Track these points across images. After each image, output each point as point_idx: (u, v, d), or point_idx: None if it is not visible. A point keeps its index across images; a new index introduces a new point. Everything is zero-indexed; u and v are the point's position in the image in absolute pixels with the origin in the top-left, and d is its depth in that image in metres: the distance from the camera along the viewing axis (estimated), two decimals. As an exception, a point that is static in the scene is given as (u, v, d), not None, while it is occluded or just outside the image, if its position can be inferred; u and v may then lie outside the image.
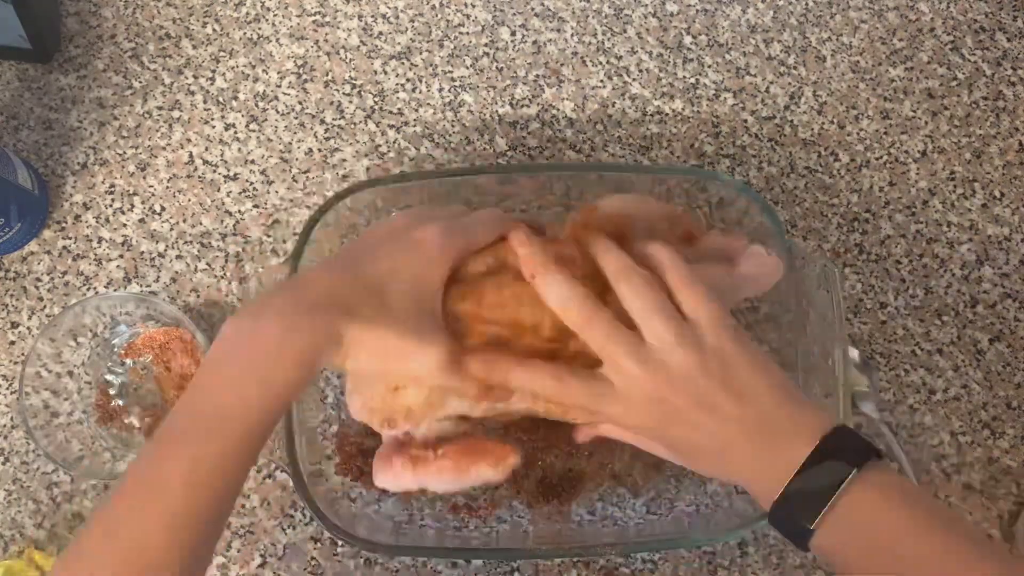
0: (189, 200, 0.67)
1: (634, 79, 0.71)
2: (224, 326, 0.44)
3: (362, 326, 0.44)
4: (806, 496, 0.44)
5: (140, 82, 0.69)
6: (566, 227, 0.55)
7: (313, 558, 0.62)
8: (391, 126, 0.69)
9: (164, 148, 0.68)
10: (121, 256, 0.66)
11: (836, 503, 0.43)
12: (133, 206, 0.67)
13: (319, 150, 0.68)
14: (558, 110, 0.70)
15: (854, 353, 0.65)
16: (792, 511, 0.44)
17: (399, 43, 0.71)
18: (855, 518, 0.43)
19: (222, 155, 0.68)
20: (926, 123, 0.71)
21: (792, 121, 0.70)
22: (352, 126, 0.69)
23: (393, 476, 0.50)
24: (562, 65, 0.71)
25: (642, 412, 0.47)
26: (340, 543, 0.62)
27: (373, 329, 0.44)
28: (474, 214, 0.51)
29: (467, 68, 0.70)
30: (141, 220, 0.67)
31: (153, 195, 0.67)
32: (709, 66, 0.71)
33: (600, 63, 0.71)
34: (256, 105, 0.69)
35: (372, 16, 0.71)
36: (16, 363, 0.64)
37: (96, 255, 0.66)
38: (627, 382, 0.47)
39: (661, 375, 0.46)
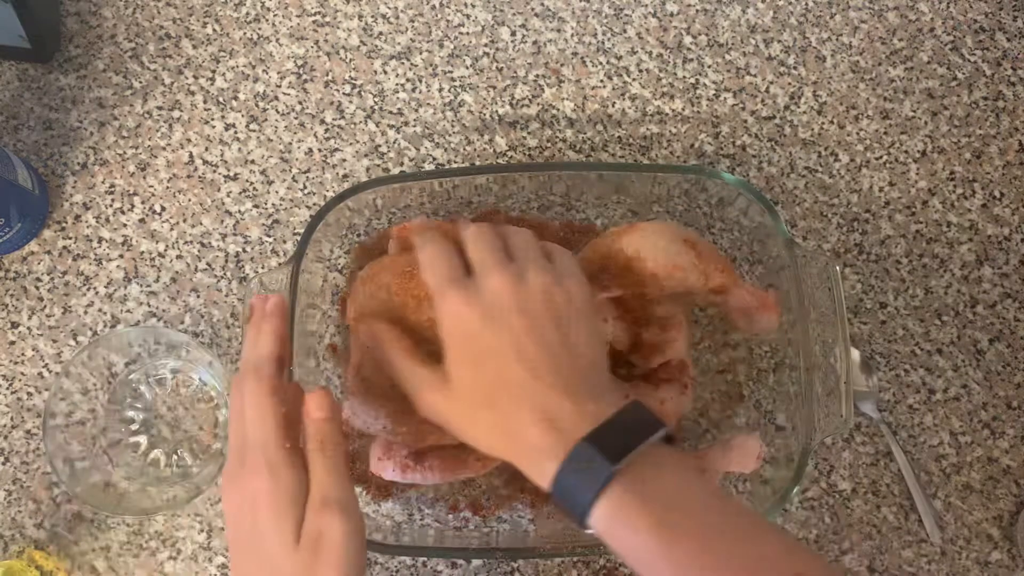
0: (189, 200, 0.67)
1: (634, 79, 0.71)
2: None
3: None
4: (601, 455, 0.42)
5: (140, 82, 0.69)
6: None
7: (313, 558, 0.62)
8: (391, 126, 0.69)
9: (164, 148, 0.68)
10: (121, 256, 0.66)
11: (626, 472, 0.42)
12: (133, 206, 0.67)
13: (319, 150, 0.68)
14: (558, 110, 0.70)
15: (854, 353, 0.65)
16: (584, 473, 0.42)
17: (399, 43, 0.71)
18: (647, 489, 0.42)
19: (222, 155, 0.68)
20: (926, 123, 0.71)
21: (792, 121, 0.70)
22: (352, 126, 0.69)
23: (386, 474, 0.56)
24: (562, 65, 0.71)
25: (458, 345, 0.47)
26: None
27: None
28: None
29: (467, 68, 0.70)
30: (141, 220, 0.67)
31: (153, 195, 0.67)
32: (709, 66, 0.71)
33: (600, 63, 0.71)
34: (256, 105, 0.69)
35: (372, 16, 0.71)
36: (16, 363, 0.64)
37: (96, 255, 0.66)
38: (445, 308, 0.48)
39: (478, 296, 0.47)
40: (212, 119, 0.69)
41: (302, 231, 0.66)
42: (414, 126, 0.69)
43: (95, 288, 0.66)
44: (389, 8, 0.72)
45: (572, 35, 0.71)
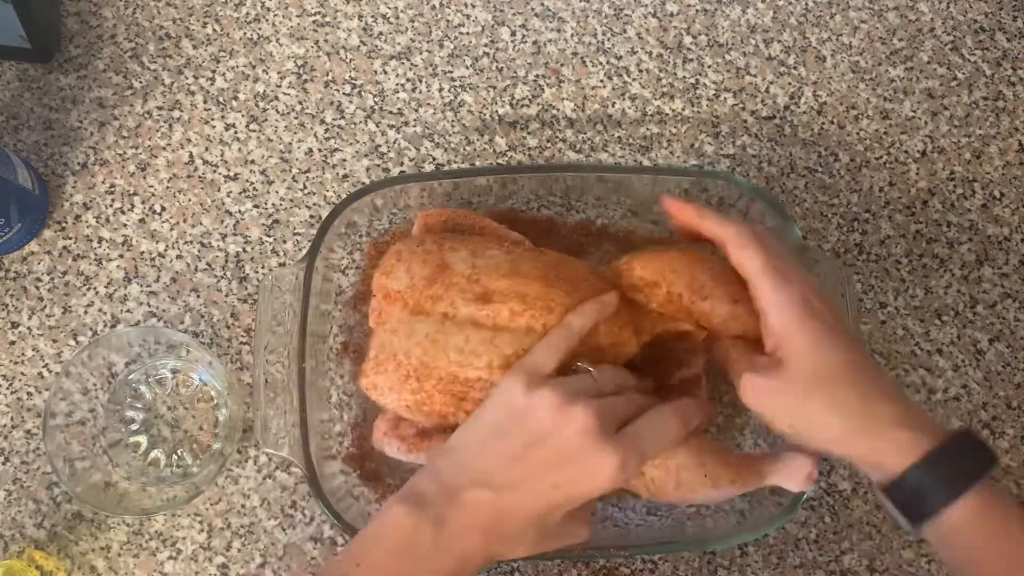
0: (189, 200, 0.67)
1: (634, 79, 0.71)
2: (389, 514, 0.46)
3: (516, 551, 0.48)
4: (956, 468, 0.44)
5: (140, 82, 0.69)
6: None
7: (313, 558, 0.62)
8: (391, 126, 0.69)
9: (164, 148, 0.68)
10: (121, 256, 0.66)
11: (974, 492, 0.44)
12: (133, 206, 0.67)
13: (319, 150, 0.68)
14: (558, 110, 0.70)
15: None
16: (948, 470, 0.44)
17: (399, 43, 0.71)
18: (1006, 498, 0.45)
19: (222, 155, 0.68)
20: (926, 123, 0.71)
21: (792, 121, 0.70)
22: (352, 126, 0.69)
23: (389, 451, 0.55)
24: (562, 65, 0.71)
25: (801, 324, 0.48)
26: (340, 543, 0.62)
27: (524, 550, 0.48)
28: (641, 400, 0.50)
29: (467, 68, 0.70)
30: (141, 220, 0.67)
31: (153, 195, 0.67)
32: (709, 66, 0.71)
33: (600, 63, 0.71)
34: (256, 105, 0.69)
35: (372, 16, 0.71)
36: (16, 363, 0.64)
37: (96, 255, 0.66)
38: (791, 295, 0.48)
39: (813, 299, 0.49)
40: (212, 119, 0.69)
41: (302, 231, 0.67)
42: (414, 126, 0.69)
43: (95, 288, 0.66)
44: (389, 8, 0.72)
45: (572, 35, 0.71)
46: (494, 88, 0.70)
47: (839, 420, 0.47)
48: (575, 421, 0.46)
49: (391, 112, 0.69)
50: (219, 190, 0.67)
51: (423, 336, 0.51)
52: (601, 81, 0.71)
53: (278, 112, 0.69)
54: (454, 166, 0.69)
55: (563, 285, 0.51)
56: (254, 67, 0.70)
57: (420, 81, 0.70)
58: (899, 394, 0.47)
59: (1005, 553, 0.43)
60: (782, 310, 0.48)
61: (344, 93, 0.70)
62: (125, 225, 0.67)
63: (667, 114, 0.70)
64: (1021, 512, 0.44)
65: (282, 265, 0.66)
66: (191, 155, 0.68)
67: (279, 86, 0.70)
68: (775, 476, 0.54)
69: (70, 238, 0.66)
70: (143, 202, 0.67)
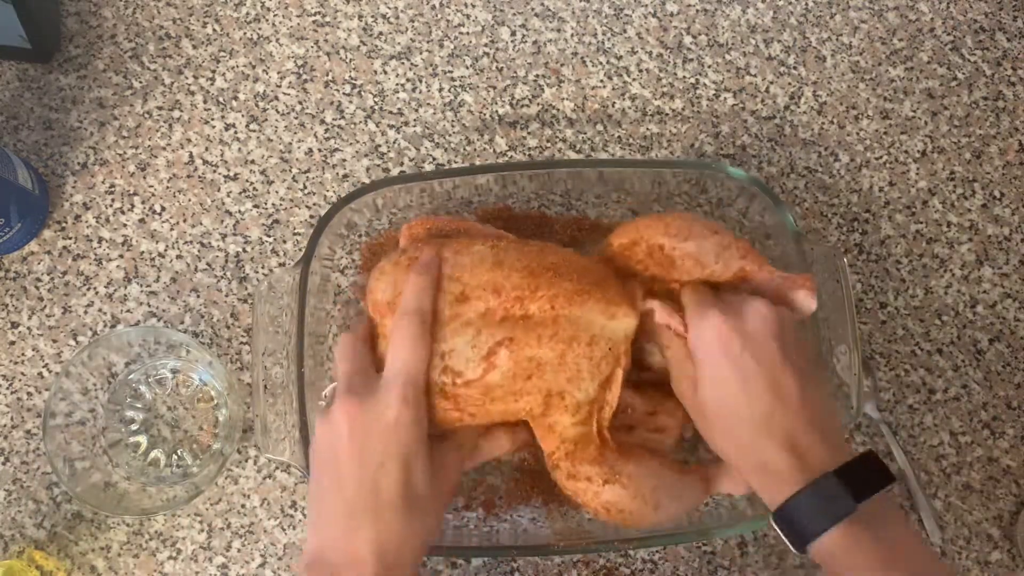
0: (189, 200, 0.67)
1: (634, 79, 0.71)
2: None
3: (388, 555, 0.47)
4: (833, 497, 0.46)
5: (140, 82, 0.69)
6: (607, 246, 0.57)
7: (313, 558, 0.62)
8: (391, 126, 0.69)
9: (164, 148, 0.68)
10: (121, 256, 0.66)
11: (861, 512, 0.45)
12: (133, 206, 0.67)
13: (319, 150, 0.68)
14: (558, 110, 0.70)
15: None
16: (823, 504, 0.46)
17: (399, 43, 0.71)
18: (879, 532, 0.45)
19: (222, 155, 0.68)
20: (926, 123, 0.71)
21: (792, 121, 0.70)
22: (352, 126, 0.69)
23: None
24: (562, 65, 0.71)
25: (711, 350, 0.49)
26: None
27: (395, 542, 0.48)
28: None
29: (467, 68, 0.70)
30: (141, 220, 0.67)
31: (153, 195, 0.67)
32: (709, 66, 0.71)
33: (600, 63, 0.71)
34: (256, 105, 0.69)
35: (372, 16, 0.71)
36: (16, 363, 0.64)
37: (96, 255, 0.66)
38: (705, 325, 0.50)
39: (737, 325, 0.49)
40: (212, 119, 0.69)
41: (302, 231, 0.67)
42: (414, 126, 0.69)
43: (95, 288, 0.66)
44: (389, 8, 0.72)
45: (572, 35, 0.71)
46: (494, 88, 0.70)
47: (728, 453, 0.50)
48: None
49: (391, 112, 0.69)
50: (219, 190, 0.67)
51: None
52: (601, 81, 0.71)
53: (278, 112, 0.69)
54: (455, 166, 0.68)
55: (546, 273, 0.52)
56: (254, 67, 0.70)
57: (420, 81, 0.70)
58: (791, 436, 0.47)
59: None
60: (697, 344, 0.50)
61: (344, 93, 0.70)
62: (125, 225, 0.67)
63: (667, 114, 0.70)
64: (905, 536, 0.46)
65: (282, 265, 0.66)
66: (191, 155, 0.68)
67: (279, 86, 0.70)
68: (785, 297, 0.54)
69: (70, 238, 0.66)
70: (143, 202, 0.67)
